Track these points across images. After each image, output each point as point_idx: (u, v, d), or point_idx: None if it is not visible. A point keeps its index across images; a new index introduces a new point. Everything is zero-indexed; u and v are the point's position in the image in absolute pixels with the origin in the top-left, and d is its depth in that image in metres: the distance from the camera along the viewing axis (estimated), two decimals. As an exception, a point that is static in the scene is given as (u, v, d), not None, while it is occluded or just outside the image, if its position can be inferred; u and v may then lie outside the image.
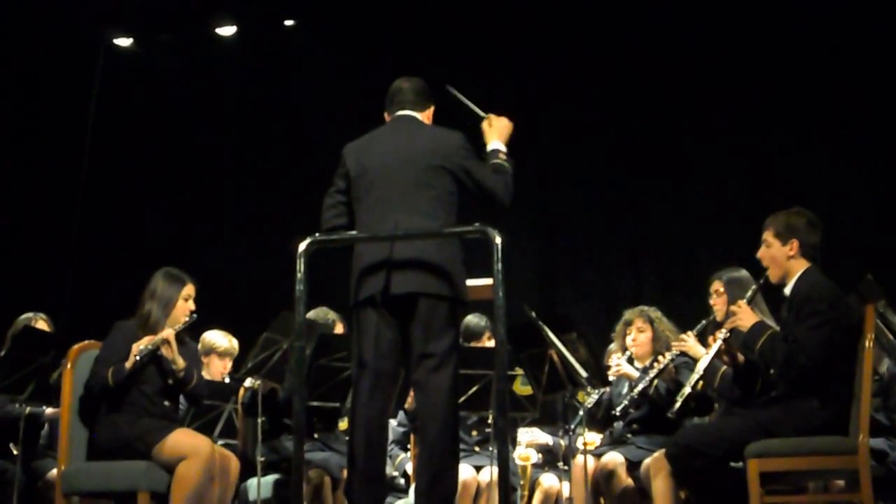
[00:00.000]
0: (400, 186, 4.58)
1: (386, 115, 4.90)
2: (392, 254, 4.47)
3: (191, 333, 5.63)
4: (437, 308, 4.46)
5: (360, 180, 4.67)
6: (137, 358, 5.19)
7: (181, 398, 5.62)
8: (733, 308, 5.15)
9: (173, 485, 5.00)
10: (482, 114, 4.85)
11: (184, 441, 5.10)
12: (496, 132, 4.81)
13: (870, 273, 5.56)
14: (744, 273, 5.54)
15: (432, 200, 4.56)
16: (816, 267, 4.95)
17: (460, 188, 4.62)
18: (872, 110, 8.54)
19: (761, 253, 5.05)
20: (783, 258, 4.96)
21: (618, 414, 6.02)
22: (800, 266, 4.94)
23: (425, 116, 4.86)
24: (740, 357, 5.23)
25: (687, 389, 5.43)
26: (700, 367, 5.36)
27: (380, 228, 4.52)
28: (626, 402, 5.94)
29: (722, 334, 5.25)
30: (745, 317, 5.00)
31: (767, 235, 5.02)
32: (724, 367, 5.33)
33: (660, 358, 5.84)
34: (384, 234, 4.50)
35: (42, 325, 6.45)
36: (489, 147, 4.77)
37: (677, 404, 5.42)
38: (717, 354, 5.27)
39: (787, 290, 4.96)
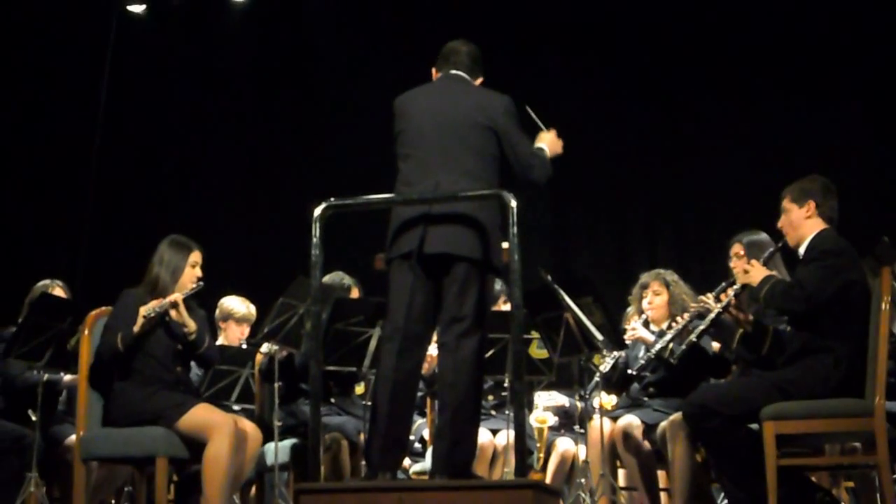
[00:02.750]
0: (444, 144, 4.55)
1: (434, 70, 4.88)
2: (431, 210, 4.44)
3: (201, 300, 5.53)
4: (472, 273, 4.43)
5: (404, 135, 4.66)
6: (145, 318, 5.10)
7: (193, 364, 5.59)
8: (745, 266, 5.16)
9: (205, 469, 4.92)
10: (544, 126, 4.88)
11: (206, 417, 5.01)
12: (547, 142, 4.79)
13: (886, 236, 5.57)
14: (763, 236, 5.54)
15: (476, 161, 4.53)
16: (833, 228, 4.98)
17: (503, 152, 4.59)
18: (889, 77, 8.49)
19: (781, 222, 5.09)
20: (800, 220, 4.99)
21: (634, 374, 6.02)
22: (816, 226, 4.97)
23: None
24: (749, 317, 5.25)
25: (693, 338, 5.45)
26: (709, 319, 5.37)
27: (420, 186, 4.49)
28: (642, 362, 5.94)
29: (734, 290, 5.26)
30: (757, 273, 5.03)
31: (785, 203, 5.06)
32: (742, 329, 5.33)
33: (677, 320, 5.83)
34: (420, 193, 4.48)
35: (59, 291, 6.48)
36: (536, 144, 4.74)
37: (681, 349, 5.43)
38: (727, 310, 5.27)
39: (802, 250, 4.98)
